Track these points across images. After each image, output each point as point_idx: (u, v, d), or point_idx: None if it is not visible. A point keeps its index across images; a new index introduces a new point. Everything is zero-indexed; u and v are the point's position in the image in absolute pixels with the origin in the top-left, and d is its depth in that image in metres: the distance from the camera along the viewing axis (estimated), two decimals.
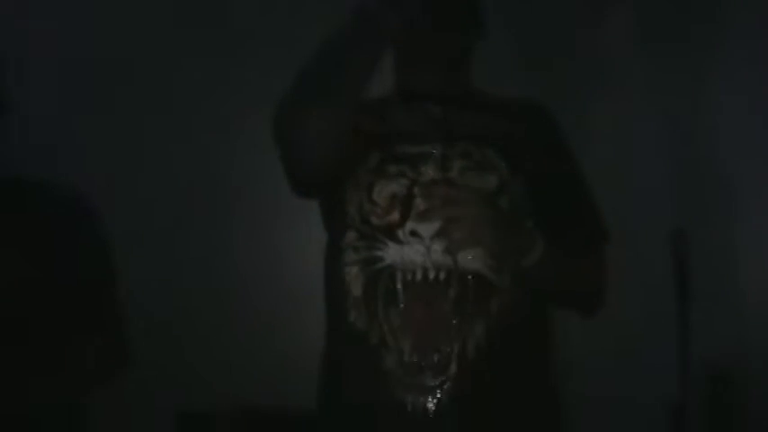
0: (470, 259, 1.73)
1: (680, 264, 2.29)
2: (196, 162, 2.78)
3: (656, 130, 2.76)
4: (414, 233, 1.74)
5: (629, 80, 2.78)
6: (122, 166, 2.74)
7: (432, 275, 1.73)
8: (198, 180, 2.78)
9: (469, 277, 1.73)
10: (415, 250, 1.74)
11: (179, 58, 2.78)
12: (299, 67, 1.76)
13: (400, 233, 1.75)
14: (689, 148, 2.79)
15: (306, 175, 1.80)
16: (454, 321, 1.71)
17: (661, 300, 2.18)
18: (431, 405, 1.71)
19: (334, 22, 1.73)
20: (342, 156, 1.77)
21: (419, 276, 1.73)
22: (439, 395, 1.70)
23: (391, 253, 1.75)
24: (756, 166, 2.77)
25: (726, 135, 2.78)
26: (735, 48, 2.77)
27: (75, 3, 2.75)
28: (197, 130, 2.78)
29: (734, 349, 2.72)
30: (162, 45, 2.77)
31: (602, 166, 2.16)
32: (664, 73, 2.78)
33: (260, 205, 2.72)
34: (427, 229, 1.73)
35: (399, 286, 1.73)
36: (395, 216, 1.76)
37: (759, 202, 2.76)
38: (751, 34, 2.78)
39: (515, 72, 2.53)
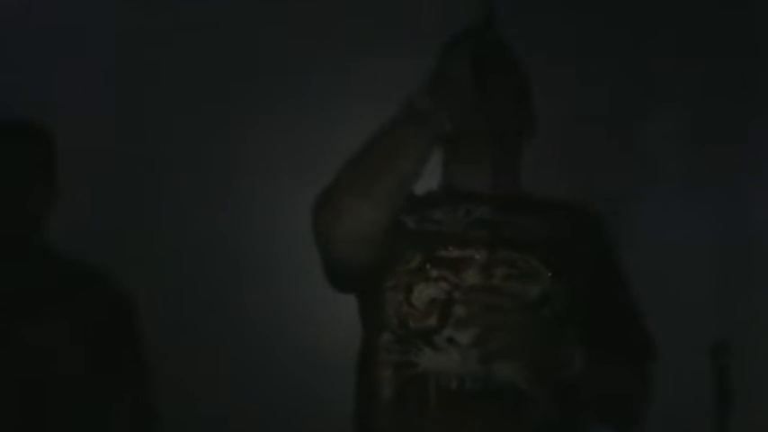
0: (507, 370, 1.67)
1: (722, 375, 2.25)
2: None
3: (702, 239, 2.73)
4: (451, 340, 1.69)
5: (679, 186, 2.75)
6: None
7: (467, 385, 1.67)
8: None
9: (505, 389, 1.67)
10: (451, 358, 1.69)
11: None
12: (344, 159, 1.74)
13: (437, 339, 1.70)
14: (733, 255, 2.75)
15: (343, 270, 1.77)
16: None
17: (700, 413, 2.13)
18: None
19: None
20: (381, 253, 1.74)
21: (454, 385, 1.68)
22: None
23: (426, 359, 1.70)
24: None
25: None
26: None
27: None
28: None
29: None
30: None
31: (647, 271, 2.11)
32: (713, 178, 2.75)
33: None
34: (465, 336, 1.68)
35: (433, 394, 1.68)
36: (433, 321, 1.71)
37: None
38: None
39: (561, 173, 2.51)
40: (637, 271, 1.89)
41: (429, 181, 1.84)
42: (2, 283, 2.04)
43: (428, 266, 1.74)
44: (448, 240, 1.76)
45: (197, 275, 2.74)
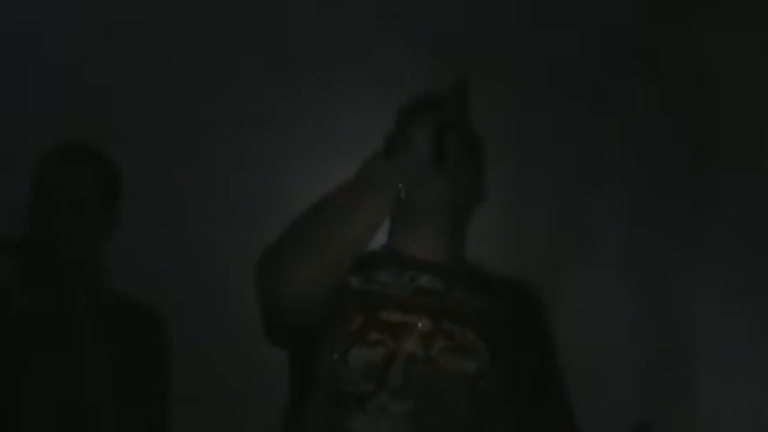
0: None
1: None
2: None
3: (627, 313, 2.77)
4: (383, 409, 1.68)
5: (611, 263, 2.80)
6: None
7: None
8: None
9: None
10: (380, 427, 1.68)
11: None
12: (293, 217, 1.73)
13: (369, 405, 1.69)
14: (659, 337, 2.80)
15: (283, 328, 1.76)
16: None
17: None
18: None
19: None
20: (322, 312, 1.72)
21: None
22: None
23: (358, 424, 1.69)
24: (724, 368, 2.77)
25: (697, 328, 2.79)
26: (716, 247, 2.80)
27: None
28: None
29: None
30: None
31: (569, 344, 2.15)
32: (645, 259, 2.80)
33: None
34: (398, 407, 1.68)
35: None
36: (367, 386, 1.70)
37: (725, 399, 2.76)
38: (732, 236, 2.82)
39: (501, 242, 2.54)
40: (560, 341, 1.92)
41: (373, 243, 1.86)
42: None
43: (368, 328, 1.73)
44: (391, 303, 1.75)
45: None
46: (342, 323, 1.74)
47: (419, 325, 1.74)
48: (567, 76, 2.75)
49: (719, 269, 2.80)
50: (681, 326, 2.79)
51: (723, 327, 2.78)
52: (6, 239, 2.07)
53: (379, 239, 1.88)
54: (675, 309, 2.83)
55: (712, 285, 2.79)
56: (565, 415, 1.84)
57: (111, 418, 2.00)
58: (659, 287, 2.82)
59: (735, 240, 2.80)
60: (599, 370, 2.64)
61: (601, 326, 2.71)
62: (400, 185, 1.71)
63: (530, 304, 1.88)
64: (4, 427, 1.95)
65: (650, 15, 2.82)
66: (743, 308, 2.76)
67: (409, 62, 2.70)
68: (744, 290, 2.77)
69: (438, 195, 1.80)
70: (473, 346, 1.74)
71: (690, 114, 2.80)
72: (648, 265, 2.82)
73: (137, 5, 2.72)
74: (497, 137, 2.04)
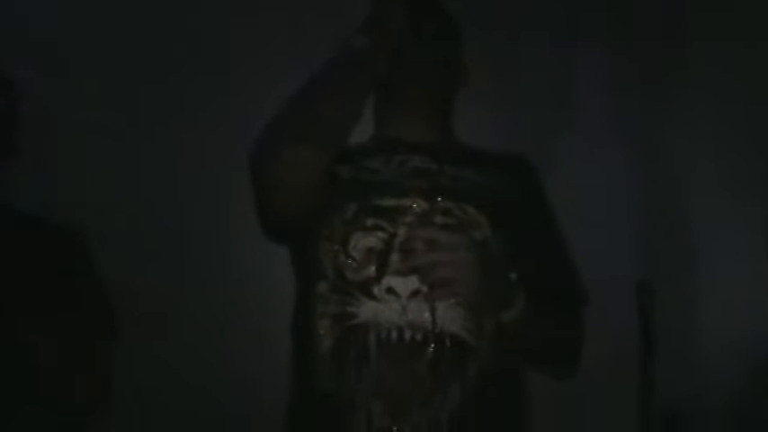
0: (449, 320, 1.67)
1: (643, 315, 2.29)
2: None
3: (624, 181, 2.76)
4: (390, 290, 1.68)
5: (600, 131, 2.78)
6: None
7: (407, 336, 1.66)
8: None
9: (447, 339, 1.66)
10: (390, 308, 1.67)
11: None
12: (280, 104, 1.71)
13: (376, 289, 1.68)
14: (653, 198, 2.80)
15: (277, 216, 1.74)
16: (428, 385, 1.65)
17: (626, 351, 2.17)
18: None
19: None
20: (316, 199, 1.71)
21: (394, 336, 1.66)
22: None
23: (365, 310, 1.68)
24: (720, 226, 2.78)
25: (691, 191, 2.80)
26: (705, 107, 2.79)
27: None
28: None
29: (694, 401, 2.72)
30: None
31: (570, 214, 2.14)
32: (634, 126, 2.79)
33: None
34: (405, 286, 1.67)
35: (372, 345, 1.67)
36: (371, 271, 1.69)
37: (722, 258, 2.78)
38: (719, 96, 2.81)
39: (485, 117, 2.50)
40: (559, 212, 1.91)
41: (363, 135, 1.83)
42: None
43: (364, 215, 1.72)
44: (384, 189, 1.74)
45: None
46: (337, 214, 1.73)
47: (413, 206, 1.72)
48: None
49: (703, 122, 2.80)
50: (672, 184, 2.80)
51: (713, 177, 2.79)
52: None
53: (367, 131, 1.87)
54: (666, 168, 2.83)
55: (698, 138, 2.80)
56: (571, 282, 1.84)
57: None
58: (647, 148, 2.82)
59: (715, 92, 2.80)
60: (597, 238, 2.64)
61: (594, 193, 2.71)
62: (380, 59, 1.70)
63: (525, 175, 1.86)
64: None
65: None
66: (737, 163, 2.77)
67: None
68: (727, 141, 2.78)
69: (418, 69, 1.78)
70: (472, 219, 1.73)
71: None
72: (633, 127, 2.81)
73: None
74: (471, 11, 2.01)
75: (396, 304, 1.67)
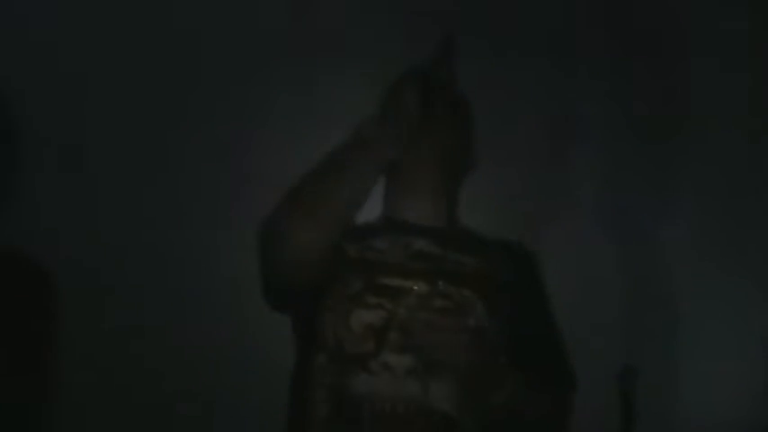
0: (441, 398, 1.74)
1: (626, 400, 2.36)
2: None
3: (609, 264, 2.84)
4: (386, 366, 1.76)
5: (589, 216, 2.87)
6: None
7: (400, 409, 1.74)
8: None
9: (438, 416, 1.74)
10: (385, 382, 1.75)
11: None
12: (291, 183, 1.79)
13: (372, 364, 1.76)
14: (640, 284, 2.87)
15: (283, 292, 1.82)
16: None
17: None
18: None
19: None
20: (321, 273, 1.79)
21: (387, 409, 1.74)
22: None
23: (361, 382, 1.76)
24: (704, 308, 2.85)
25: (674, 272, 2.87)
26: (684, 187, 2.88)
27: None
28: None
29: None
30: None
31: (558, 297, 2.23)
32: (619, 210, 2.87)
33: None
34: (401, 363, 1.75)
35: (366, 416, 1.75)
36: (369, 346, 1.77)
37: (703, 337, 2.84)
38: (700, 178, 2.90)
39: (488, 202, 2.60)
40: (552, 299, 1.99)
41: (370, 213, 1.91)
42: None
43: (367, 293, 1.80)
44: (388, 269, 1.82)
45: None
46: (341, 288, 1.82)
47: (415, 288, 1.80)
48: (537, 35, 2.80)
49: (695, 213, 2.88)
50: (659, 273, 2.87)
51: (701, 268, 2.87)
52: None
53: (376, 211, 1.96)
54: (655, 255, 2.90)
55: (688, 230, 2.87)
56: (561, 367, 1.92)
57: None
58: (636, 236, 2.89)
59: (706, 184, 2.89)
60: (583, 320, 2.71)
61: (584, 278, 2.78)
62: (390, 145, 1.78)
63: (524, 263, 1.95)
64: None
65: None
66: (719, 249, 2.85)
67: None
68: (717, 232, 2.86)
69: (428, 155, 1.87)
70: (470, 303, 1.81)
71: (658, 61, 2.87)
72: (625, 213, 2.89)
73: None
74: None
75: (390, 379, 1.75)
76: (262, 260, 1.79)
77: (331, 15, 2.74)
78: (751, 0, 2.84)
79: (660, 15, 2.86)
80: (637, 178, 2.87)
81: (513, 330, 1.83)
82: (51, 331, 2.04)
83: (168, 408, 2.61)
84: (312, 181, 1.79)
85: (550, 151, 2.84)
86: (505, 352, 1.81)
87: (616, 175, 2.87)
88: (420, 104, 1.79)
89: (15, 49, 2.65)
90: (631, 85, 2.87)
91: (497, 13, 2.80)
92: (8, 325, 1.96)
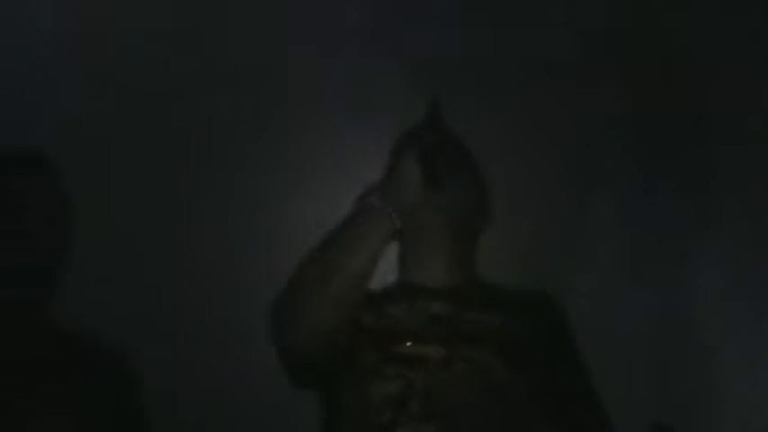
0: None
1: None
2: None
3: (639, 318, 2.78)
4: None
5: (617, 268, 2.80)
6: None
7: None
8: None
9: None
10: None
11: None
12: (302, 257, 1.77)
13: None
14: (670, 338, 2.81)
15: (301, 368, 1.81)
16: None
17: None
18: None
19: None
20: (339, 347, 1.77)
21: None
22: None
23: None
24: (736, 357, 2.78)
25: (707, 326, 2.80)
26: (716, 239, 2.82)
27: None
28: None
29: None
30: None
31: (586, 349, 2.16)
32: (650, 262, 2.81)
33: None
34: (425, 431, 1.71)
35: None
36: (387, 417, 1.73)
37: (739, 394, 2.77)
38: (729, 220, 2.84)
39: (506, 255, 2.54)
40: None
41: (386, 278, 1.88)
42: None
43: (383, 363, 1.76)
44: (405, 336, 1.79)
45: None
46: (359, 360, 1.79)
47: (434, 353, 1.77)
48: (546, 77, 2.76)
49: (723, 262, 2.82)
50: (689, 321, 2.81)
51: (731, 318, 2.80)
52: None
53: (391, 277, 1.93)
54: (683, 305, 2.84)
55: (717, 277, 2.81)
56: (595, 420, 1.87)
57: None
58: (665, 284, 2.83)
59: (735, 231, 2.82)
60: (612, 372, 2.64)
61: (610, 328, 2.72)
62: (395, 215, 1.76)
63: (546, 315, 1.91)
64: None
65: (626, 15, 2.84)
66: (748, 298, 2.78)
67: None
68: (747, 279, 2.79)
69: (437, 217, 1.85)
70: (491, 365, 1.77)
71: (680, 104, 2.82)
72: (651, 262, 2.83)
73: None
74: (484, 147, 2.06)
75: None
76: (276, 333, 1.78)
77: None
78: None
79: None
80: (662, 221, 2.81)
81: (542, 384, 1.79)
82: None
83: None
84: (318, 258, 1.78)
85: (574, 198, 2.79)
86: (533, 407, 1.76)
87: (639, 219, 2.81)
88: (421, 170, 1.78)
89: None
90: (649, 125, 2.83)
91: (496, 52, 2.75)
92: None
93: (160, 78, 2.62)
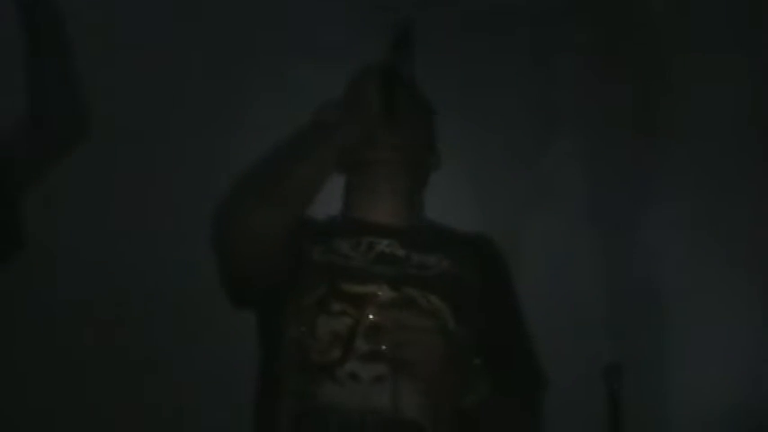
0: (410, 406, 1.68)
1: (612, 399, 2.29)
2: None
3: (593, 258, 2.79)
4: (353, 375, 1.69)
5: (570, 208, 2.81)
6: None
7: (368, 420, 1.67)
8: None
9: (406, 426, 1.67)
10: (353, 393, 1.68)
11: None
12: (245, 168, 1.74)
13: (339, 373, 1.70)
14: (624, 279, 2.82)
15: (241, 279, 1.76)
16: None
17: None
18: None
19: None
20: (282, 268, 1.74)
21: (355, 420, 1.68)
22: None
23: (327, 392, 1.69)
24: (693, 295, 2.81)
25: (661, 266, 2.82)
26: (670, 181, 2.83)
27: None
28: None
29: None
30: None
31: (538, 294, 2.16)
32: (604, 201, 2.82)
33: None
34: (368, 372, 1.69)
35: (333, 428, 1.68)
36: (335, 354, 1.71)
37: (692, 333, 2.79)
38: (687, 168, 2.85)
39: (457, 193, 2.53)
40: (528, 292, 1.93)
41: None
42: None
43: (331, 299, 1.73)
44: (351, 274, 1.76)
45: None
46: (305, 295, 1.75)
47: (379, 293, 1.74)
48: (505, 25, 2.75)
49: (678, 202, 2.83)
50: (644, 264, 2.82)
51: (686, 261, 2.82)
52: None
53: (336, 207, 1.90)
54: (637, 248, 2.85)
55: (674, 216, 2.83)
56: (530, 365, 1.86)
57: None
58: (619, 228, 2.84)
59: (689, 172, 2.84)
60: (568, 316, 2.66)
61: (566, 273, 2.73)
62: (348, 129, 1.73)
63: (492, 260, 1.88)
64: None
65: None
66: (706, 235, 2.80)
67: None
68: (705, 216, 2.81)
69: (391, 154, 1.81)
70: (436, 309, 1.75)
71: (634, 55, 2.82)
72: (606, 206, 2.84)
73: None
74: (442, 92, 2.04)
75: (358, 389, 1.68)
76: (217, 245, 1.73)
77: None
78: None
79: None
80: (622, 169, 2.82)
81: (482, 332, 1.77)
82: None
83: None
84: (267, 164, 1.74)
85: (533, 144, 2.78)
86: (475, 355, 1.73)
87: (600, 167, 2.81)
88: (380, 95, 1.73)
89: None
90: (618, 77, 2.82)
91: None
92: None
93: None
